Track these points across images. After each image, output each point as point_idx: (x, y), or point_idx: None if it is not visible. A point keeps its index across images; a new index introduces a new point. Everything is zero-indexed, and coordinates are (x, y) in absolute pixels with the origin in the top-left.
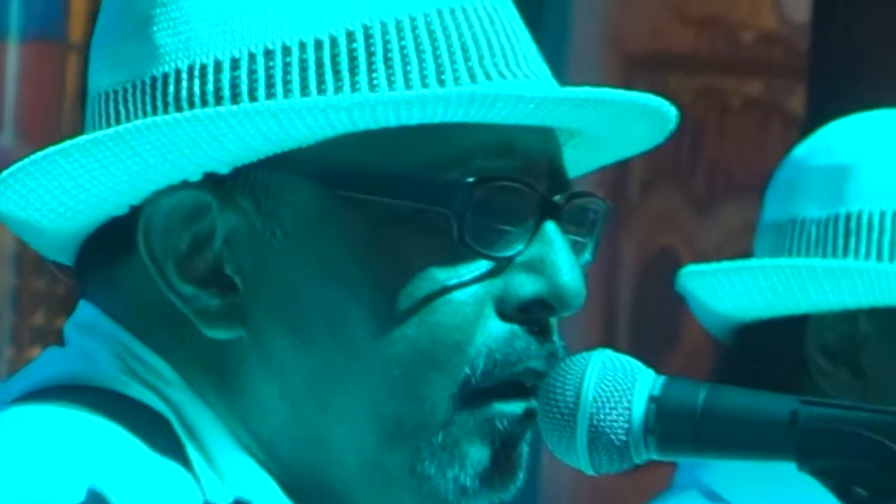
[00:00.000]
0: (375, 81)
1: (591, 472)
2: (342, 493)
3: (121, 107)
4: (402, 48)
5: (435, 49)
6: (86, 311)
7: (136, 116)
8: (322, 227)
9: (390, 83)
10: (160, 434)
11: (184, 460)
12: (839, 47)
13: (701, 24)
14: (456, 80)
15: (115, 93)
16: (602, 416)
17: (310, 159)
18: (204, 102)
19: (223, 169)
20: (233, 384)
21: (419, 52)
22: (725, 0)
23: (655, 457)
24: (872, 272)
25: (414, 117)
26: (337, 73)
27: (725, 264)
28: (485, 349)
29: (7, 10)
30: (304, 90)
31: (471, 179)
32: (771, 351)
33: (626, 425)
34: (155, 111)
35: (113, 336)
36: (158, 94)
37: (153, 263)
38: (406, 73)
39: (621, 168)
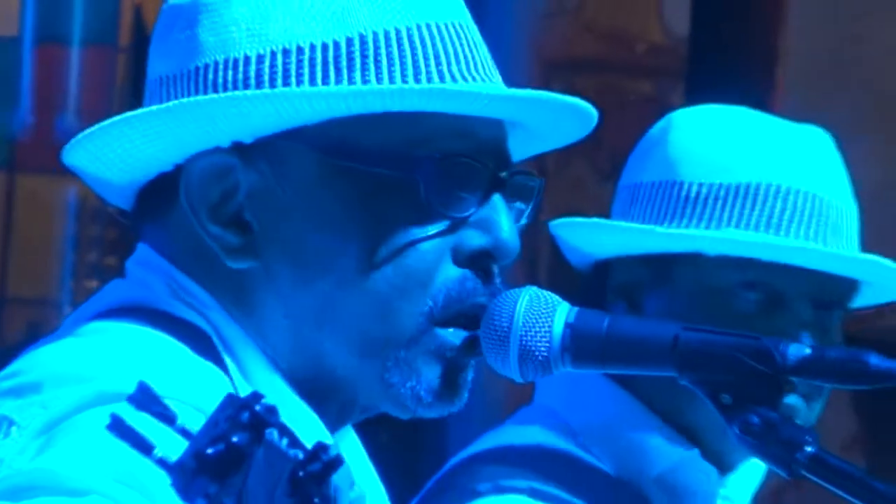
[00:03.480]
0: (367, 77)
1: (520, 381)
2: (334, 388)
3: (171, 88)
4: (389, 53)
5: (414, 55)
6: (142, 250)
7: (183, 96)
8: (320, 188)
9: (378, 79)
10: (203, 346)
11: (223, 367)
12: (711, 55)
13: (604, 36)
14: (429, 80)
15: (167, 77)
16: (529, 338)
17: (314, 134)
18: (235, 88)
19: (248, 139)
20: (250, 305)
21: (401, 56)
22: (624, 18)
23: (570, 369)
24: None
25: (394, 106)
26: (338, 69)
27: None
28: (444, 288)
29: (71, 21)
30: (312, 81)
31: (438, 155)
32: (593, 285)
33: (547, 344)
34: (197, 93)
35: (163, 269)
36: (200, 80)
37: (190, 208)
38: (391, 72)
39: None
